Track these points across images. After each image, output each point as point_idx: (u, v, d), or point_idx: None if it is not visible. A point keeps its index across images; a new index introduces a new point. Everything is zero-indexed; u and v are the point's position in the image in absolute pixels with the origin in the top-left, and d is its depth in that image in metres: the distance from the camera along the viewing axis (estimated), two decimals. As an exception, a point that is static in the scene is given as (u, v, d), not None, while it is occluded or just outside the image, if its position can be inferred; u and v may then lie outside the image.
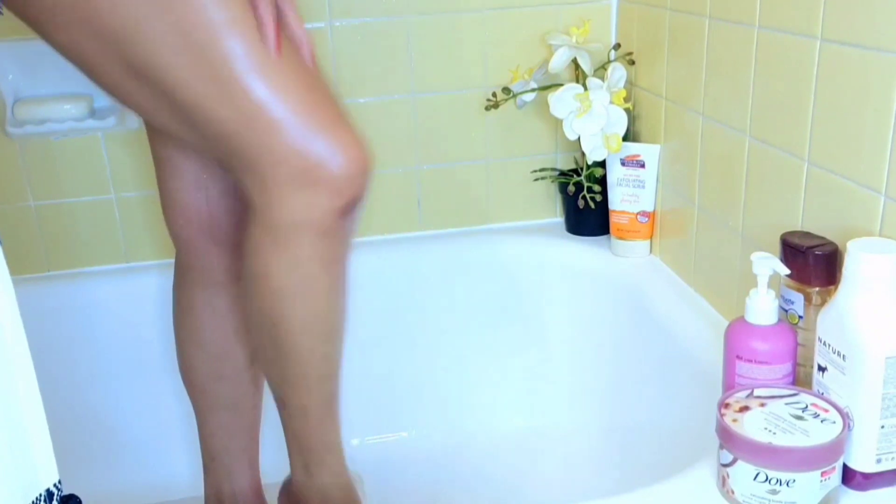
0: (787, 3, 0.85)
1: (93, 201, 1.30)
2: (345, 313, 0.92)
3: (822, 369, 0.71)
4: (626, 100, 1.20)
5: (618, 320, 1.22)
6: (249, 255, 0.86)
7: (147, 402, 1.29)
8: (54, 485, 0.53)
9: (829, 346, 0.70)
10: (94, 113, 1.24)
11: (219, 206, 0.98)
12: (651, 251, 1.26)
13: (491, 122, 1.35)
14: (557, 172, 1.38)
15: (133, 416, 1.30)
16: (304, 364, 0.90)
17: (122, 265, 1.33)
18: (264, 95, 0.78)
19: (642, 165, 1.21)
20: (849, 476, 0.69)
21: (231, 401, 1.06)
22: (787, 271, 0.78)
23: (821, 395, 0.72)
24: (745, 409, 0.70)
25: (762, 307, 0.76)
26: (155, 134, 0.97)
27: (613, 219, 1.26)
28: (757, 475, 0.66)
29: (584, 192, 1.28)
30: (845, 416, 0.68)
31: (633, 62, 1.25)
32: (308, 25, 1.26)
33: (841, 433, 0.66)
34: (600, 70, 1.26)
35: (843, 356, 0.68)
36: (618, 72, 1.21)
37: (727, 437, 0.68)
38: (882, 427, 0.67)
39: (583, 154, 1.23)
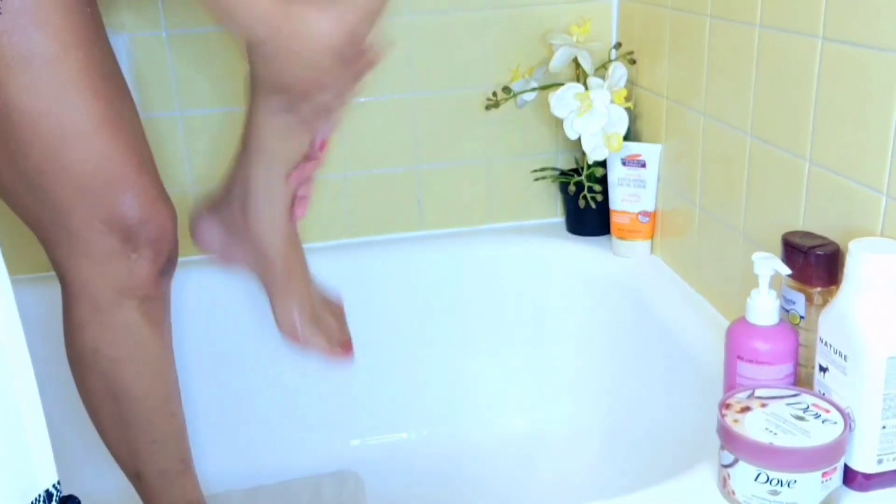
0: (789, 2, 0.85)
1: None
2: (175, 368, 0.94)
3: (823, 370, 0.71)
4: (627, 99, 1.20)
5: (618, 320, 1.22)
6: (75, 333, 0.88)
7: (147, 402, 1.29)
8: (53, 485, 0.53)
9: (831, 346, 0.69)
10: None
11: None
12: (652, 251, 1.26)
13: (491, 122, 1.35)
14: (558, 172, 1.38)
15: (133, 416, 1.30)
16: (153, 429, 0.92)
17: (121, 265, 1.33)
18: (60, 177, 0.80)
19: (643, 165, 1.21)
20: (850, 477, 0.69)
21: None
22: (789, 271, 0.78)
23: (822, 396, 0.72)
24: (746, 409, 0.70)
25: (763, 307, 0.76)
26: None
27: (614, 218, 1.26)
28: (758, 476, 0.66)
29: (585, 191, 1.28)
30: (846, 417, 0.68)
31: (633, 61, 1.25)
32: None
33: (842, 434, 0.66)
34: (601, 69, 1.26)
35: (845, 356, 0.68)
36: (619, 71, 1.21)
37: (728, 438, 0.68)
38: (883, 427, 0.67)
39: (583, 153, 1.22)
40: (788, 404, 0.71)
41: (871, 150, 0.75)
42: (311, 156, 0.94)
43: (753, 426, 0.68)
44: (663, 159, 1.19)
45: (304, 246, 1.33)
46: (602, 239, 1.32)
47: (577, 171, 1.33)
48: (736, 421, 0.68)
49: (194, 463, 1.00)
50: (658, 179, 1.21)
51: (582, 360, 1.30)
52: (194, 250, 1.33)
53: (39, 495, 0.52)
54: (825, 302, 0.77)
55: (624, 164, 1.22)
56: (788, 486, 0.65)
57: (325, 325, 1.06)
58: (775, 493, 0.66)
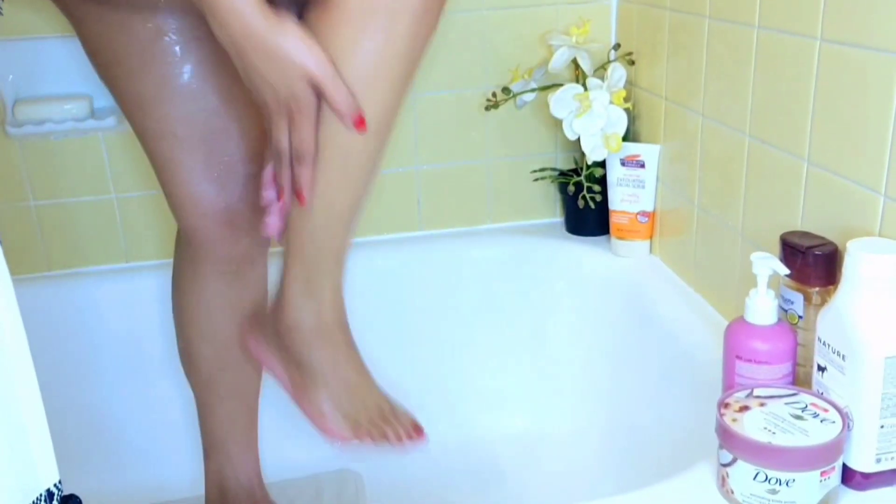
0: (787, 3, 0.85)
1: (93, 201, 1.30)
2: None
3: (821, 369, 0.71)
4: (626, 100, 1.20)
5: (618, 320, 1.22)
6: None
7: (147, 402, 1.29)
8: (54, 485, 0.53)
9: (829, 345, 0.70)
10: (94, 113, 1.24)
11: (233, 193, 0.97)
12: (651, 251, 1.26)
13: (491, 122, 1.35)
14: (557, 172, 1.38)
15: (133, 415, 1.30)
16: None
17: (122, 265, 1.33)
18: None
19: (642, 165, 1.21)
20: (848, 476, 0.69)
21: (235, 389, 1.06)
22: (787, 271, 0.78)
23: (820, 395, 0.72)
24: (744, 408, 0.70)
25: (762, 307, 0.76)
26: (151, 132, 0.96)
27: (613, 219, 1.26)
28: (756, 475, 0.66)
29: (584, 191, 1.28)
30: (845, 416, 0.68)
31: (632, 62, 1.25)
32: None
33: (840, 433, 0.66)
34: (600, 70, 1.26)
35: (843, 356, 0.68)
36: (618, 72, 1.21)
37: (727, 437, 0.68)
38: (881, 427, 0.67)
39: (582, 154, 1.23)
40: (787, 403, 0.71)
41: (868, 150, 0.75)
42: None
43: (752, 425, 0.68)
44: (662, 160, 1.20)
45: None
46: (601, 239, 1.32)
47: (576, 172, 1.33)
48: (734, 420, 0.69)
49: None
50: (657, 180, 1.22)
51: (581, 360, 1.31)
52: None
53: (41, 494, 0.52)
54: (823, 301, 0.78)
55: (623, 164, 1.23)
56: (787, 485, 0.65)
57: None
58: (774, 492, 0.66)
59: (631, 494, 0.73)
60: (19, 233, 1.29)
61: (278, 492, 1.24)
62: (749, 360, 0.76)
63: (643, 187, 1.22)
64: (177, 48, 0.86)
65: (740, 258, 0.99)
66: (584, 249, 1.31)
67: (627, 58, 1.26)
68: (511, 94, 1.28)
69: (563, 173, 1.37)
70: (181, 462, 1.25)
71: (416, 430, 1.02)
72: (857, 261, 0.67)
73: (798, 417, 0.69)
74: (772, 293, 0.76)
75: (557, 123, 1.26)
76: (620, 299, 1.22)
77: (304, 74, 0.76)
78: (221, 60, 0.83)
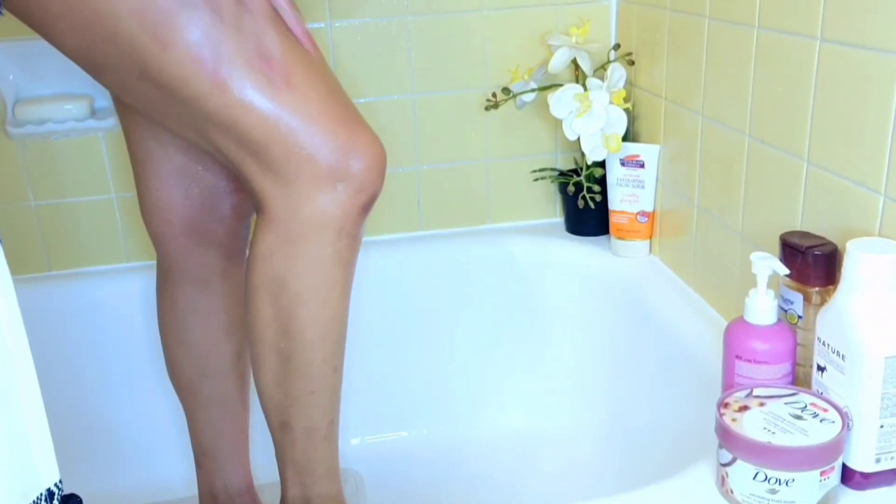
0: (787, 3, 0.85)
1: (93, 201, 1.30)
2: (347, 322, 0.90)
3: (821, 369, 0.71)
4: (626, 100, 1.20)
5: (617, 320, 1.22)
6: (262, 262, 0.83)
7: (148, 402, 1.29)
8: (55, 484, 0.54)
9: (829, 345, 0.70)
10: (94, 113, 1.24)
11: (201, 205, 0.98)
12: (651, 251, 1.26)
13: (491, 122, 1.35)
14: (557, 172, 1.38)
15: (134, 415, 1.30)
16: (316, 378, 0.87)
17: (122, 265, 1.33)
18: (296, 106, 0.79)
19: (642, 165, 1.21)
20: (848, 475, 0.69)
21: (218, 397, 1.06)
22: (787, 271, 0.78)
23: (820, 395, 0.72)
24: (744, 408, 0.70)
25: (761, 307, 0.76)
26: (134, 133, 0.96)
27: (613, 219, 1.26)
28: (756, 475, 0.66)
29: (584, 192, 1.28)
30: (844, 416, 0.68)
31: (632, 62, 1.25)
32: (308, 25, 1.26)
33: (840, 433, 0.66)
34: (600, 70, 1.26)
35: (843, 356, 0.68)
36: (617, 72, 1.22)
37: (726, 437, 0.68)
38: (881, 427, 0.67)
39: (582, 154, 1.23)
40: (787, 403, 0.71)
41: (868, 150, 0.75)
42: None
43: (752, 425, 0.68)
44: (662, 160, 1.20)
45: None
46: (601, 239, 1.32)
47: (576, 172, 1.33)
48: (734, 420, 0.69)
49: (339, 431, 0.94)
50: (657, 180, 1.22)
51: (581, 360, 1.31)
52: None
53: (41, 494, 0.52)
54: (823, 301, 0.78)
55: (623, 164, 1.23)
56: (787, 484, 0.65)
57: None
58: (773, 491, 0.66)
59: (630, 494, 0.73)
60: (19, 233, 1.29)
61: (278, 491, 1.24)
62: (749, 360, 0.76)
63: (643, 187, 1.22)
64: None
65: (740, 258, 0.99)
66: (584, 249, 1.31)
67: (627, 58, 1.26)
68: (511, 95, 1.28)
69: (562, 173, 1.37)
70: (181, 462, 1.26)
71: None
72: (857, 261, 0.67)
73: (798, 417, 0.69)
74: (771, 293, 0.76)
75: (557, 124, 1.26)
76: (620, 299, 1.22)
77: None
78: None
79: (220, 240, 1.00)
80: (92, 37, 0.76)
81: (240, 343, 1.05)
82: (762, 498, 0.66)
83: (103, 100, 1.24)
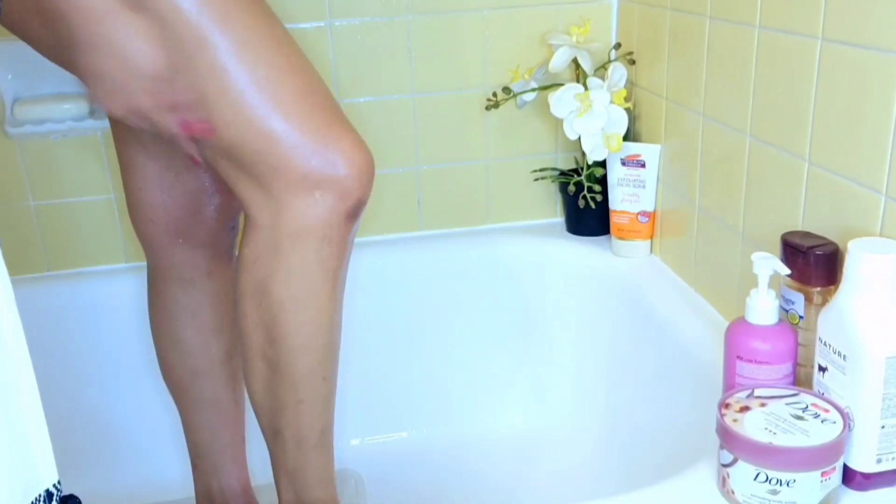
0: (788, 2, 0.85)
1: (93, 201, 1.30)
2: (340, 333, 0.89)
3: (822, 369, 0.71)
4: (627, 99, 1.20)
5: (618, 320, 1.22)
6: (247, 268, 0.83)
7: (146, 402, 1.29)
8: (54, 485, 0.53)
9: (830, 346, 0.70)
10: (93, 113, 1.24)
11: (183, 205, 0.98)
12: (651, 251, 1.26)
13: (491, 122, 1.35)
14: (558, 172, 1.38)
15: (133, 415, 1.30)
16: (303, 387, 0.86)
17: (120, 265, 1.33)
18: (266, 107, 0.77)
19: (643, 165, 1.21)
20: (849, 476, 0.69)
21: (211, 396, 1.06)
22: (788, 271, 0.78)
23: (821, 396, 0.72)
24: (745, 409, 0.70)
25: (763, 307, 0.76)
26: (119, 135, 0.97)
27: (614, 219, 1.26)
28: (757, 475, 0.66)
29: (585, 191, 1.28)
30: (846, 417, 0.68)
31: (633, 62, 1.25)
32: (308, 25, 1.27)
33: (841, 433, 0.66)
34: (601, 70, 1.26)
35: (844, 356, 0.68)
36: (618, 71, 1.21)
37: (727, 438, 0.68)
38: (882, 427, 0.67)
39: (583, 154, 1.23)
40: (788, 404, 0.71)
41: (869, 150, 0.75)
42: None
43: (753, 426, 0.68)
44: (663, 159, 1.20)
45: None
46: (602, 239, 1.32)
47: (576, 172, 1.33)
48: (735, 420, 0.69)
49: (333, 440, 0.92)
50: (657, 180, 1.21)
51: (581, 360, 1.31)
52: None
53: (40, 495, 0.52)
54: (824, 302, 0.78)
55: (623, 164, 1.23)
56: (788, 485, 0.65)
57: None
58: (774, 492, 0.66)
59: (631, 494, 0.73)
60: (19, 233, 1.29)
61: (275, 494, 1.24)
62: (750, 361, 0.76)
63: (644, 187, 1.22)
64: None
65: (741, 258, 0.99)
66: (585, 249, 1.31)
67: (628, 57, 1.26)
68: (511, 94, 1.28)
69: (563, 173, 1.37)
70: (179, 462, 1.25)
71: None
72: (858, 261, 0.67)
73: (799, 418, 0.68)
74: (772, 293, 0.76)
75: (558, 123, 1.26)
76: (621, 299, 1.22)
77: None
78: None
79: (205, 240, 1.00)
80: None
81: (229, 343, 1.05)
82: (763, 498, 0.66)
83: (103, 99, 1.24)
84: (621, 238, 1.26)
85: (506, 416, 1.37)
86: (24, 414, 0.51)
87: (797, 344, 0.77)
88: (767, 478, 0.66)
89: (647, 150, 1.21)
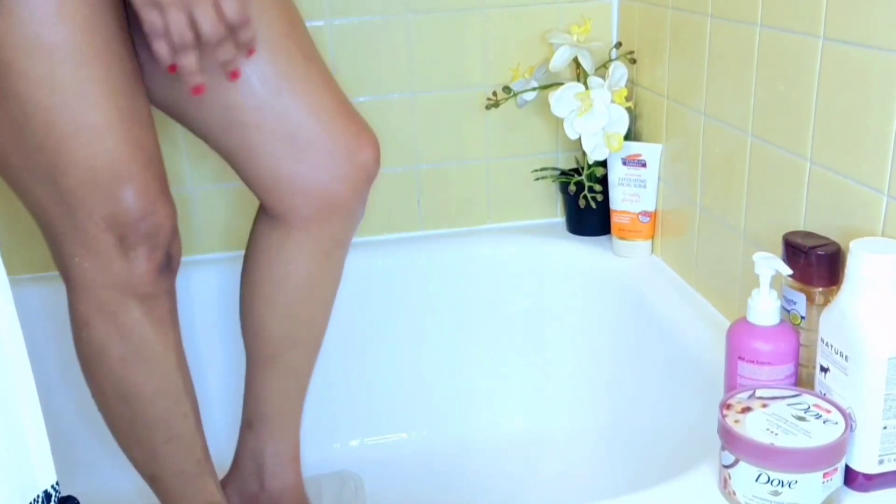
0: (790, 2, 0.85)
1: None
2: (186, 367, 0.94)
3: (824, 370, 0.71)
4: (628, 99, 1.19)
5: (619, 321, 1.22)
6: (81, 331, 0.88)
7: (147, 403, 1.29)
8: (52, 486, 0.53)
9: (832, 346, 0.69)
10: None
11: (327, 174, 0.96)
12: (652, 251, 1.26)
13: (491, 122, 1.35)
14: (558, 172, 1.37)
15: (133, 416, 1.30)
16: (166, 429, 0.91)
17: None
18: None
19: (644, 165, 1.21)
20: (851, 477, 0.69)
21: (297, 369, 1.04)
22: (790, 271, 0.77)
23: (823, 396, 0.71)
24: (747, 409, 0.70)
25: (764, 307, 0.76)
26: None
27: (615, 218, 1.26)
28: (759, 476, 0.66)
29: (585, 191, 1.27)
30: (847, 417, 0.68)
31: (634, 61, 1.25)
32: (308, 24, 1.26)
33: (843, 434, 0.66)
34: (601, 69, 1.25)
35: (846, 357, 0.68)
36: (619, 70, 1.21)
37: (729, 438, 0.68)
38: (884, 428, 0.67)
39: (584, 153, 1.22)
40: (789, 405, 0.70)
41: (871, 149, 0.75)
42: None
43: (754, 426, 0.67)
44: (664, 159, 1.19)
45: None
46: (602, 239, 1.32)
47: (577, 171, 1.32)
48: (737, 421, 0.68)
49: (212, 464, 0.98)
50: (658, 179, 1.21)
51: (582, 360, 1.30)
52: (200, 249, 1.33)
53: (38, 496, 0.52)
54: (826, 302, 0.77)
55: (624, 163, 1.22)
56: (789, 486, 0.65)
57: None
58: (776, 493, 0.66)
59: (632, 496, 0.72)
60: (19, 233, 1.29)
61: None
62: (751, 361, 0.76)
63: (645, 187, 1.22)
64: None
65: (742, 258, 0.99)
66: (585, 249, 1.31)
67: (629, 56, 1.25)
68: (512, 94, 1.27)
69: (564, 173, 1.36)
70: (181, 462, 1.25)
71: None
72: (860, 261, 0.66)
73: (800, 418, 0.68)
74: (774, 293, 0.76)
75: (558, 122, 1.26)
76: (621, 299, 1.22)
77: None
78: None
79: (351, 207, 0.97)
80: None
81: (328, 315, 1.04)
82: (765, 499, 0.66)
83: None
84: (622, 238, 1.26)
85: (506, 416, 1.37)
86: (22, 415, 0.51)
87: (799, 344, 0.76)
88: (769, 479, 0.65)
89: (648, 150, 1.21)
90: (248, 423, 1.08)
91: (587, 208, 1.29)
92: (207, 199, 1.31)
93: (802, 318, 0.79)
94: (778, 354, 0.75)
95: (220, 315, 1.28)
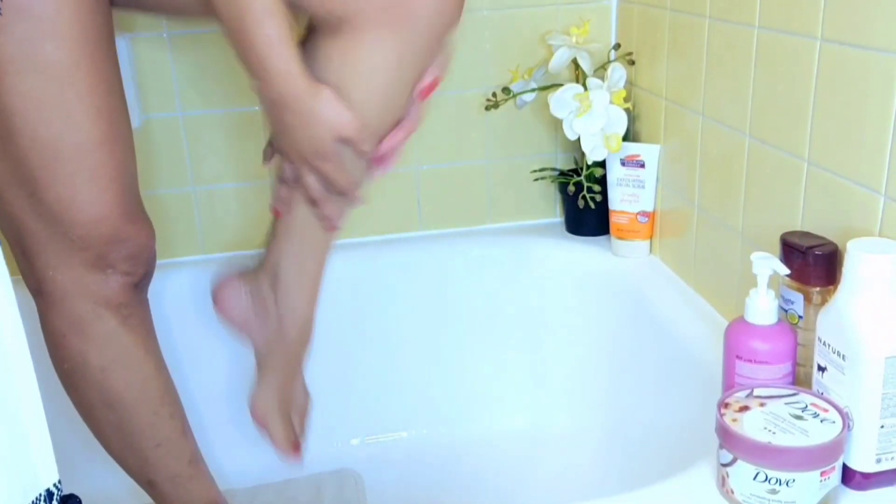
0: (788, 3, 0.85)
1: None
2: (166, 371, 0.95)
3: (821, 369, 0.71)
4: (626, 100, 1.20)
5: (617, 320, 1.22)
6: (58, 345, 0.88)
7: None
8: (54, 484, 0.53)
9: (829, 345, 0.70)
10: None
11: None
12: (651, 251, 1.26)
13: (491, 122, 1.35)
14: (557, 172, 1.38)
15: (133, 415, 1.30)
16: (155, 433, 0.92)
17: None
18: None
19: (642, 165, 1.21)
20: (848, 476, 0.69)
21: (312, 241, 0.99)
22: (787, 271, 0.78)
23: (820, 395, 0.72)
24: (744, 408, 0.70)
25: (762, 307, 0.76)
26: None
27: (613, 219, 1.26)
28: (756, 475, 0.66)
29: (584, 192, 1.28)
30: (845, 416, 0.68)
31: (632, 62, 1.25)
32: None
33: (840, 433, 0.66)
34: (600, 70, 1.26)
35: (843, 356, 0.68)
36: (618, 72, 1.21)
37: (727, 437, 0.68)
38: (882, 427, 0.67)
39: (583, 154, 1.23)
40: (787, 404, 0.71)
41: (869, 150, 0.75)
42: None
43: (752, 425, 0.68)
44: (662, 160, 1.20)
45: (304, 246, 1.33)
46: (601, 239, 1.32)
47: (576, 172, 1.33)
48: (734, 420, 0.69)
49: (206, 463, 0.99)
50: (657, 180, 1.21)
51: (581, 360, 1.31)
52: (200, 249, 1.33)
53: (40, 494, 0.52)
54: (824, 302, 0.78)
55: (623, 164, 1.23)
56: (787, 485, 0.65)
57: (287, 421, 1.08)
58: (774, 492, 0.66)
59: (630, 494, 0.73)
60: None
61: (278, 491, 1.24)
62: (749, 360, 0.76)
63: (643, 187, 1.22)
64: None
65: (740, 258, 0.99)
66: (584, 249, 1.31)
67: (627, 58, 1.26)
68: (511, 94, 1.28)
69: (563, 173, 1.37)
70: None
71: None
72: (857, 261, 0.67)
73: (798, 417, 0.68)
74: (772, 293, 0.76)
75: (557, 123, 1.26)
76: (620, 299, 1.22)
77: (337, 134, 0.82)
78: None
79: None
80: None
81: None
82: (762, 498, 0.66)
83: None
84: (621, 238, 1.26)
85: (505, 415, 1.37)
86: (24, 413, 0.51)
87: (796, 344, 0.77)
88: (767, 477, 0.66)
89: (646, 151, 1.21)
90: (274, 231, 1.00)
91: (586, 208, 1.29)
92: (207, 199, 1.31)
93: (800, 317, 0.80)
94: (775, 354, 0.75)
95: (211, 317, 1.28)
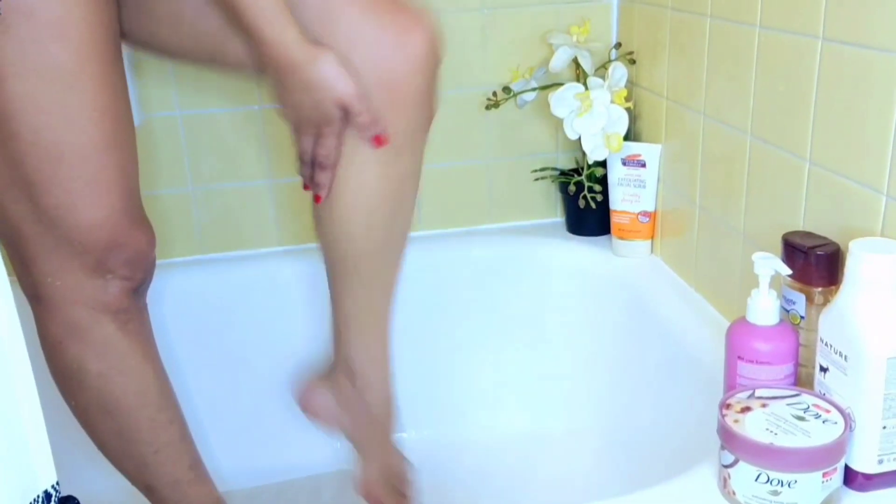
0: (789, 2, 0.85)
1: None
2: (164, 376, 0.94)
3: (823, 370, 0.71)
4: (627, 99, 1.20)
5: (619, 321, 1.22)
6: (55, 351, 0.87)
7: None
8: (52, 486, 0.53)
9: (831, 346, 0.69)
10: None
11: None
12: (652, 251, 1.26)
13: (491, 122, 1.35)
14: (558, 172, 1.37)
15: (133, 416, 1.30)
16: (154, 439, 0.92)
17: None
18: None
19: (643, 165, 1.21)
20: (850, 477, 0.69)
21: (379, 271, 1.03)
22: (789, 271, 0.77)
23: (822, 396, 0.71)
24: (746, 409, 0.70)
25: (764, 307, 0.76)
26: None
27: (614, 219, 1.26)
28: (758, 476, 0.66)
29: (585, 191, 1.27)
30: (847, 417, 0.68)
31: (633, 61, 1.25)
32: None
33: (842, 434, 0.66)
34: (601, 69, 1.26)
35: (845, 357, 0.68)
36: (618, 71, 1.21)
37: (728, 438, 0.68)
38: (884, 428, 0.67)
39: (583, 154, 1.22)
40: (789, 404, 0.71)
41: (870, 150, 0.75)
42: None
43: (754, 426, 0.68)
44: (663, 159, 1.19)
45: (304, 246, 1.33)
46: (602, 239, 1.32)
47: (577, 171, 1.32)
48: (736, 421, 0.68)
49: (206, 466, 0.99)
50: (658, 179, 1.21)
51: (582, 360, 1.30)
52: (200, 249, 1.33)
53: (38, 496, 0.52)
54: (825, 302, 0.77)
55: (624, 164, 1.22)
56: (789, 486, 0.65)
57: (395, 491, 1.09)
58: (776, 493, 0.66)
59: (632, 496, 0.72)
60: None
61: (278, 492, 1.24)
62: (751, 361, 0.76)
63: (644, 187, 1.22)
64: None
65: (742, 258, 0.99)
66: (585, 249, 1.31)
67: (628, 57, 1.25)
68: (512, 94, 1.27)
69: (563, 173, 1.36)
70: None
71: None
72: (859, 261, 0.66)
73: (800, 418, 0.68)
74: (774, 293, 0.76)
75: (558, 123, 1.26)
76: (621, 299, 1.22)
77: (336, 100, 0.80)
78: None
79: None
80: None
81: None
82: (764, 499, 0.66)
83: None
84: (622, 238, 1.26)
85: (506, 416, 1.37)
86: (23, 415, 0.51)
87: (798, 344, 0.77)
88: (768, 478, 0.66)
89: (647, 150, 1.21)
90: (337, 330, 1.04)
91: (587, 208, 1.29)
92: (207, 199, 1.31)
93: (802, 317, 0.79)
94: (777, 354, 0.75)
95: (222, 315, 1.28)
